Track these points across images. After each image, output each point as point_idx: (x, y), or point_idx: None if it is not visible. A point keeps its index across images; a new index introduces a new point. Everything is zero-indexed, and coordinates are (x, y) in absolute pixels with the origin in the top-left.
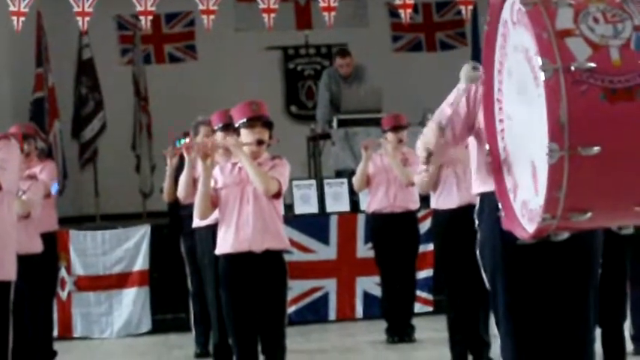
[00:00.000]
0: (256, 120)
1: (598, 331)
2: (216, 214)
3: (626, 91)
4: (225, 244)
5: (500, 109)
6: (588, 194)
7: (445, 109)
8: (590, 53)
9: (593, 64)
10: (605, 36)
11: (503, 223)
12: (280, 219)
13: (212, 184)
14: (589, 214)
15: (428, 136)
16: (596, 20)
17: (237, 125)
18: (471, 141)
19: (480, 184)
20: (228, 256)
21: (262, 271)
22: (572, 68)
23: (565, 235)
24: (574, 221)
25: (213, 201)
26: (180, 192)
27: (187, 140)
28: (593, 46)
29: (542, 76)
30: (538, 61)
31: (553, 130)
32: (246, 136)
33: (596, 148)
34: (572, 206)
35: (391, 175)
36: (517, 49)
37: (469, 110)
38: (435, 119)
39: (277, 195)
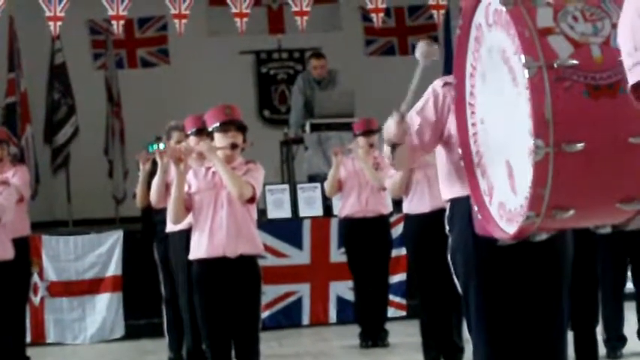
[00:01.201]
0: (230, 124)
1: (570, 335)
2: (189, 219)
3: (609, 87)
4: (199, 249)
5: (473, 113)
6: (572, 190)
7: (414, 118)
8: (572, 51)
9: (575, 61)
10: (585, 34)
11: (478, 228)
12: (254, 224)
13: (186, 188)
14: (572, 212)
15: (389, 126)
16: (575, 19)
17: (210, 129)
18: (439, 148)
19: (449, 190)
20: (202, 261)
21: (236, 276)
22: (555, 65)
23: (544, 235)
24: (557, 219)
25: (187, 206)
26: (153, 197)
27: (160, 145)
28: (574, 44)
29: (525, 73)
30: (522, 58)
31: (538, 126)
32: (219, 140)
33: (580, 145)
34: (556, 203)
35: (363, 180)
36: (492, 51)
37: (437, 116)
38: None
39: (251, 200)
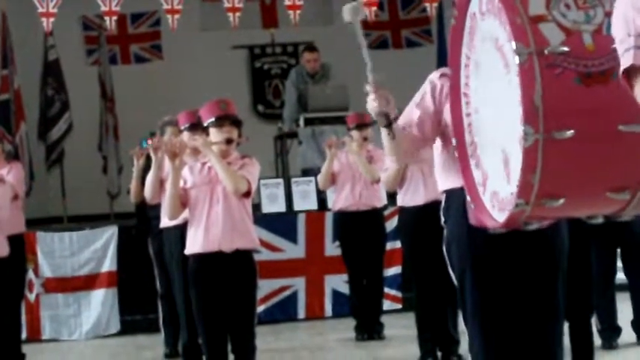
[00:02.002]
0: (225, 119)
1: (566, 326)
2: (184, 214)
3: (601, 74)
4: (194, 243)
5: (468, 103)
6: (562, 179)
7: (413, 110)
8: (564, 38)
9: (566, 48)
10: (577, 22)
11: (472, 218)
12: (250, 218)
13: (181, 184)
14: (562, 201)
15: (371, 102)
16: (567, 7)
17: (205, 124)
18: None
19: (445, 181)
20: (197, 256)
21: (232, 270)
22: (546, 52)
23: (535, 225)
24: (547, 207)
25: (183, 201)
26: (147, 192)
27: (148, 142)
28: (566, 31)
29: (516, 59)
30: (512, 45)
31: (527, 113)
32: (214, 135)
33: (570, 132)
34: (545, 191)
35: (356, 173)
36: (485, 40)
37: (436, 107)
38: (400, 121)
39: (247, 194)
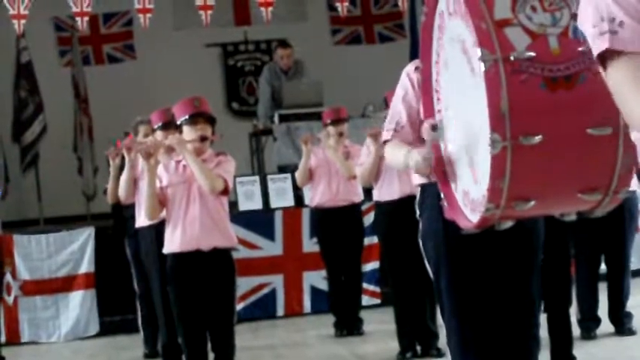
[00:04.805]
0: (198, 116)
1: (544, 317)
2: (162, 214)
3: (566, 79)
4: (172, 242)
5: (439, 99)
6: (531, 183)
7: (398, 105)
8: (529, 42)
9: (532, 53)
10: (543, 24)
11: (446, 212)
12: (227, 216)
13: (157, 183)
14: (532, 203)
15: (418, 164)
16: (534, 9)
17: (179, 122)
18: None
19: (419, 175)
20: (176, 255)
21: (210, 269)
22: (512, 58)
23: (509, 223)
24: (518, 210)
25: (161, 200)
26: (121, 192)
27: (126, 140)
28: (531, 35)
29: (481, 66)
30: (477, 52)
31: (494, 120)
32: (188, 132)
33: (538, 137)
34: (515, 195)
35: (333, 168)
36: (453, 41)
37: (417, 101)
38: (389, 119)
39: (224, 192)
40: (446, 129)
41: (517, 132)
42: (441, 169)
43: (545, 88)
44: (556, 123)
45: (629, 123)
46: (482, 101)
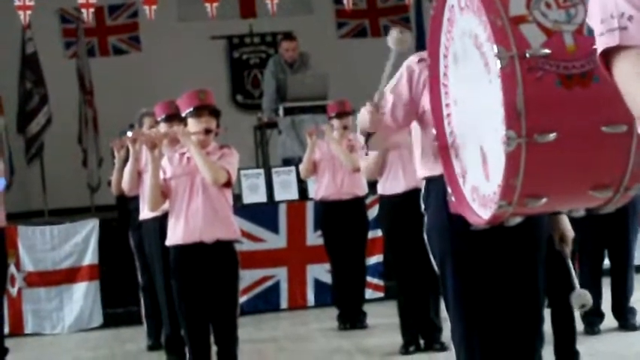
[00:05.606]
0: (203, 109)
1: (547, 312)
2: (164, 206)
3: (581, 76)
4: (175, 235)
5: (447, 93)
6: (544, 180)
7: (387, 95)
8: (545, 39)
9: (548, 51)
10: (558, 21)
11: (452, 207)
12: (231, 209)
13: (161, 174)
14: (544, 200)
15: (362, 116)
16: (548, 6)
17: (184, 115)
18: (414, 125)
19: (425, 169)
20: (179, 247)
21: (213, 261)
22: (527, 55)
23: (518, 219)
24: (529, 207)
25: (164, 192)
26: (125, 184)
27: (127, 133)
28: (547, 32)
29: (497, 63)
30: (494, 49)
31: (510, 117)
32: (193, 125)
33: (553, 135)
34: (528, 192)
35: (337, 162)
36: (465, 35)
37: (412, 94)
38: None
39: (227, 184)
40: (455, 122)
41: (532, 129)
42: (448, 162)
43: (560, 86)
44: (571, 120)
45: (638, 117)
46: (496, 97)
